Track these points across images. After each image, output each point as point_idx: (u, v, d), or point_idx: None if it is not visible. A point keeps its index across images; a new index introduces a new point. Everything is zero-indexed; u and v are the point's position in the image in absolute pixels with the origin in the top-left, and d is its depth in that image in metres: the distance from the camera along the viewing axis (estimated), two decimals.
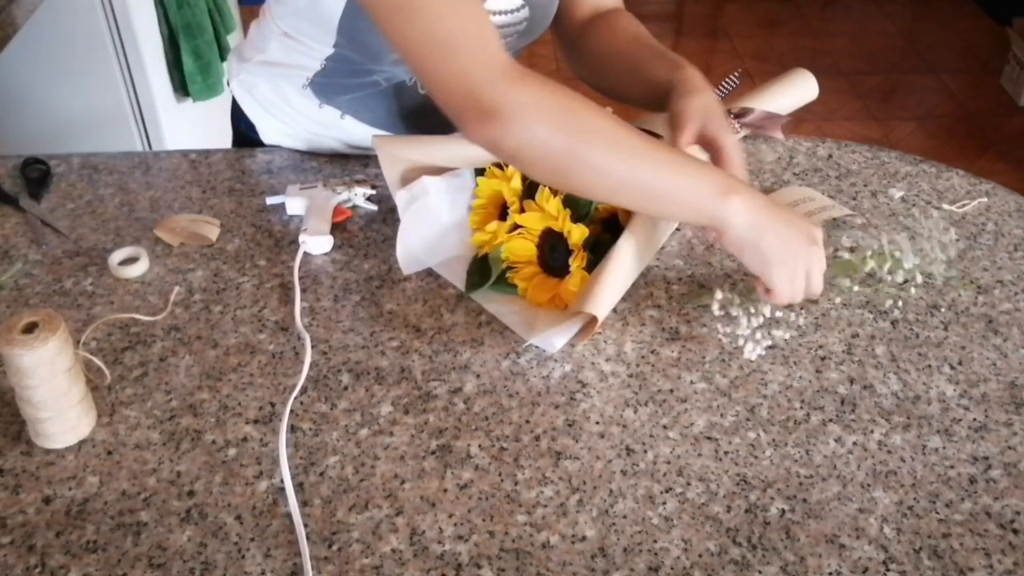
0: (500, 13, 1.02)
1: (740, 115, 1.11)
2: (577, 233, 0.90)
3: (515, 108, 0.81)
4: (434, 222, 1.00)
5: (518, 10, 1.03)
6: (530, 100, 0.82)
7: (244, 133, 1.22)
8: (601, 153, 0.83)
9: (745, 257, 0.87)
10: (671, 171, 0.84)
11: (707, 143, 0.96)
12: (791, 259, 0.86)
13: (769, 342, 0.89)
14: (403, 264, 0.96)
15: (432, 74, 0.83)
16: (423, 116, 1.14)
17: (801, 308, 0.93)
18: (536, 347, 0.89)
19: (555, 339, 0.88)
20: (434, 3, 0.80)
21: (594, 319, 0.86)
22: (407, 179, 1.00)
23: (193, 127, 2.14)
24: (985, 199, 1.08)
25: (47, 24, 1.81)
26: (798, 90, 1.20)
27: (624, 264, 0.90)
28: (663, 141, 0.97)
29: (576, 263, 0.90)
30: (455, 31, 0.81)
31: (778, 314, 0.91)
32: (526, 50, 1.13)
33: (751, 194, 0.85)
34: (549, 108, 0.82)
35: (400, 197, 0.98)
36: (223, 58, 2.09)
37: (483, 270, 0.95)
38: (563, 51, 1.17)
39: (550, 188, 0.91)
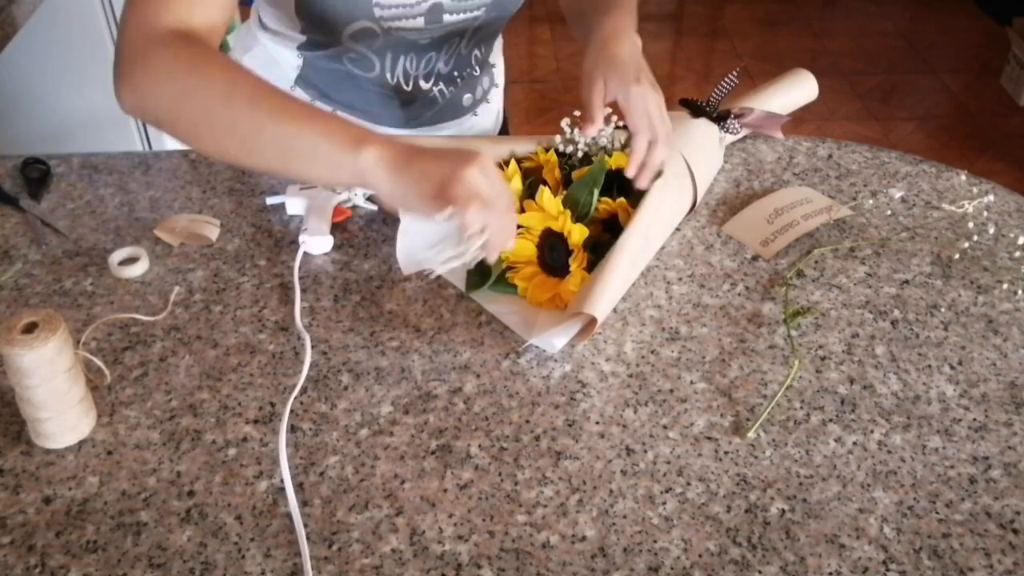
0: None
1: (740, 115, 1.11)
2: (577, 233, 0.90)
3: (136, 69, 0.80)
4: (434, 223, 1.00)
5: None
6: (151, 61, 0.80)
7: None
8: (224, 111, 0.79)
9: (402, 207, 0.81)
10: (302, 127, 0.79)
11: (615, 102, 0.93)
12: (448, 184, 0.76)
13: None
14: (403, 264, 0.96)
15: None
16: (413, 108, 1.14)
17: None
18: (536, 347, 0.89)
19: (555, 339, 0.88)
20: None
21: (594, 319, 0.86)
22: None
23: None
24: (985, 199, 1.08)
25: (47, 24, 1.81)
26: (798, 90, 1.20)
27: (623, 264, 0.90)
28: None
29: (576, 263, 0.90)
30: None
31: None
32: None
33: (389, 142, 0.78)
34: (169, 70, 0.80)
35: None
36: None
37: (483, 270, 0.95)
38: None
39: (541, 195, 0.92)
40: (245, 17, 1.22)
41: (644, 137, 0.92)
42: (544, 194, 0.91)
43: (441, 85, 1.13)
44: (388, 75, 1.07)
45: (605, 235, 0.94)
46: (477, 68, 1.17)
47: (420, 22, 0.99)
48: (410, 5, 0.97)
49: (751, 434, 0.81)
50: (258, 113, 0.79)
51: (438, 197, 0.76)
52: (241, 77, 0.81)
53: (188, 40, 0.82)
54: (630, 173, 0.94)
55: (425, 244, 0.98)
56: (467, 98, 1.18)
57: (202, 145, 0.84)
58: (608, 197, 0.94)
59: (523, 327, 0.91)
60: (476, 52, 1.14)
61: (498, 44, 1.22)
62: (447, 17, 1.00)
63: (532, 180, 0.98)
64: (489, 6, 1.03)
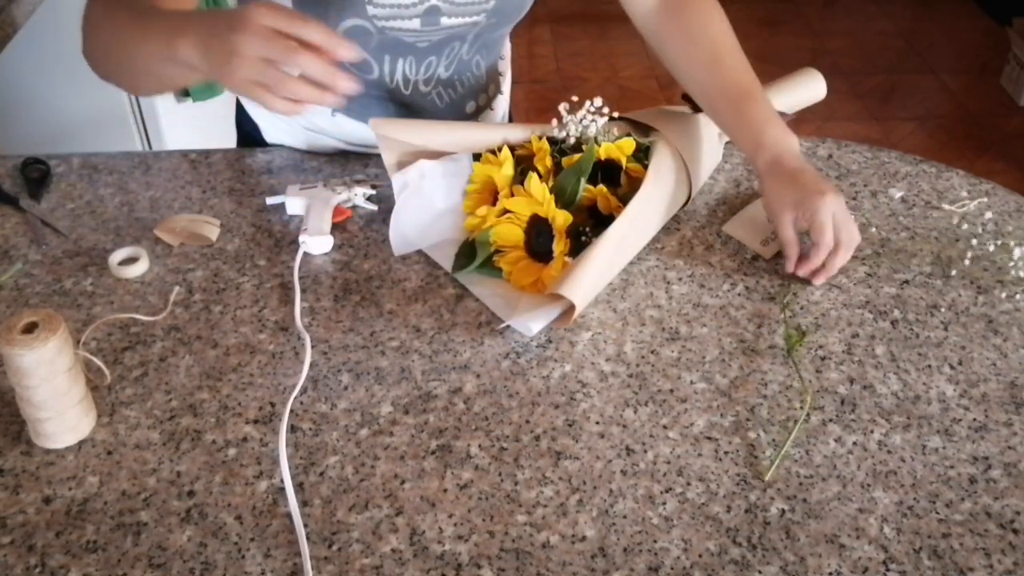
0: None
1: None
2: (561, 219, 0.91)
3: (85, 31, 0.91)
4: (428, 206, 1.00)
5: None
6: (88, 20, 0.91)
7: (248, 133, 1.22)
8: (101, 45, 0.89)
9: (228, 86, 0.76)
10: (134, 40, 0.83)
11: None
12: (235, 48, 0.71)
13: None
14: (394, 245, 0.97)
15: None
16: (412, 113, 1.13)
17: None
18: (536, 347, 0.89)
19: (532, 323, 0.88)
20: None
21: (573, 305, 0.87)
22: (405, 162, 1.01)
23: (193, 127, 2.14)
24: (985, 199, 1.08)
25: (47, 24, 1.80)
26: (805, 89, 1.19)
27: (607, 251, 0.91)
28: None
29: (559, 248, 0.91)
30: None
31: None
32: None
33: (193, 30, 0.76)
34: (94, 23, 0.90)
35: (397, 180, 0.98)
36: None
37: (471, 252, 0.96)
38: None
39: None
40: None
41: (824, 250, 0.94)
42: (532, 180, 0.93)
43: (440, 89, 1.12)
44: (387, 79, 1.07)
45: (590, 221, 0.95)
46: (480, 75, 1.16)
47: (416, 24, 0.99)
48: (405, 6, 0.96)
49: (768, 476, 0.77)
50: (115, 42, 0.86)
51: (237, 59, 0.72)
52: (104, 14, 0.88)
53: None
54: (795, 271, 0.97)
55: (417, 225, 0.99)
56: (470, 105, 1.18)
57: (123, 87, 0.94)
58: (593, 186, 0.95)
59: (504, 309, 0.92)
60: (478, 58, 1.13)
61: (506, 52, 1.22)
62: (444, 20, 1.00)
63: (524, 167, 0.98)
64: (489, 12, 1.02)
